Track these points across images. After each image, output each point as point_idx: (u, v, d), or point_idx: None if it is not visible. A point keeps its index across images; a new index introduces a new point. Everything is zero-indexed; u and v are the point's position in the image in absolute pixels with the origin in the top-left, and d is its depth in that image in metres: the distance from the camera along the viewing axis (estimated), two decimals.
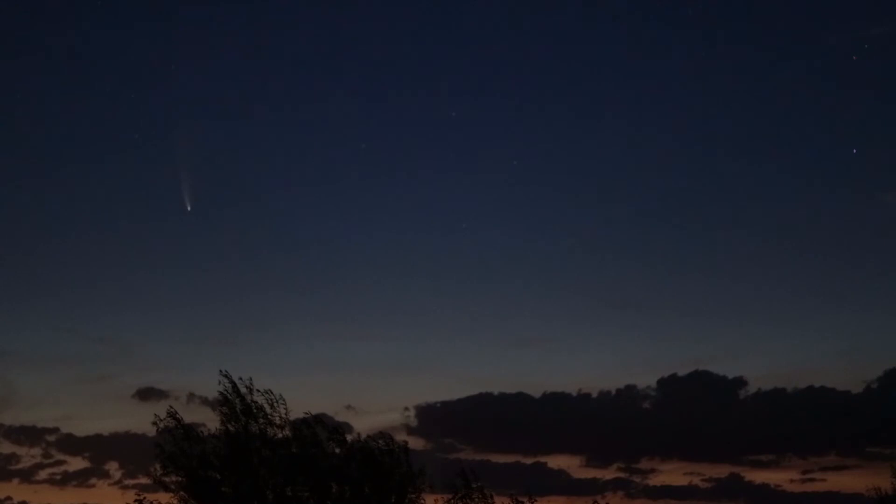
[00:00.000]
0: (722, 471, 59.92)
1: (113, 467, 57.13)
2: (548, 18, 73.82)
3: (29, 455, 59.44)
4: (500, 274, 77.91)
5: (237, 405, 28.12)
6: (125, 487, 52.76)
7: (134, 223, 76.08)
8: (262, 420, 28.12)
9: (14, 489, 55.94)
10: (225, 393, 28.19)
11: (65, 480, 58.05)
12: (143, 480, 29.37)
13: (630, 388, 65.11)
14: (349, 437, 29.21)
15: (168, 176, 70.18)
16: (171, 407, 28.05)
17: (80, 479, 57.60)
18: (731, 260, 77.20)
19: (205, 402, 36.01)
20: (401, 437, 30.08)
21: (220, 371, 28.42)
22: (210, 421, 29.37)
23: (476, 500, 29.38)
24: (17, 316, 72.57)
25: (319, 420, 28.99)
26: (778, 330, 74.31)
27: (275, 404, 28.19)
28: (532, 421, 63.76)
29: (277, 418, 28.25)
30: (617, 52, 76.52)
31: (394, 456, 28.98)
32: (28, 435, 60.46)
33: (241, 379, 28.38)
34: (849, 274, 74.97)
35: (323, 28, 74.51)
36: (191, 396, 45.08)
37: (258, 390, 28.25)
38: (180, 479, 27.88)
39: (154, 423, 27.85)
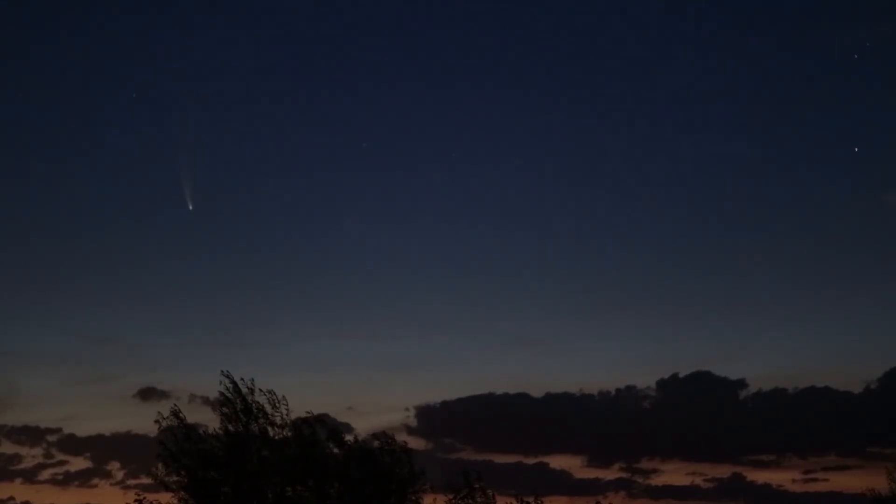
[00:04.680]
0: (723, 471, 60.22)
1: (115, 467, 57.49)
2: (551, 15, 73.95)
3: (31, 455, 59.80)
4: (501, 274, 78.22)
5: (238, 405, 28.06)
6: (127, 487, 52.98)
7: (136, 223, 76.50)
8: (262, 420, 28.10)
9: (16, 489, 56.22)
10: (226, 393, 28.15)
11: (67, 480, 58.38)
12: (145, 480, 29.41)
13: (630, 389, 65.49)
14: (350, 438, 29.28)
15: (169, 176, 70.40)
16: (175, 405, 28.11)
17: (81, 479, 57.94)
18: (731, 261, 77.50)
19: (206, 402, 36.05)
20: (401, 437, 30.13)
21: (222, 371, 28.44)
22: (211, 421, 29.41)
23: (477, 499, 29.44)
24: (19, 316, 72.93)
25: (320, 420, 28.98)
26: (778, 330, 74.59)
27: (277, 404, 28.18)
28: (533, 421, 63.92)
29: (279, 419, 28.24)
30: (619, 51, 76.83)
31: (394, 456, 28.96)
32: (30, 435, 60.94)
33: (242, 380, 28.40)
34: (849, 274, 75.26)
35: (325, 28, 74.71)
36: (192, 397, 45.20)
37: (261, 390, 28.28)
38: (181, 478, 27.86)
39: (157, 422, 27.89)
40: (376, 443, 29.11)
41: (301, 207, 77.47)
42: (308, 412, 28.89)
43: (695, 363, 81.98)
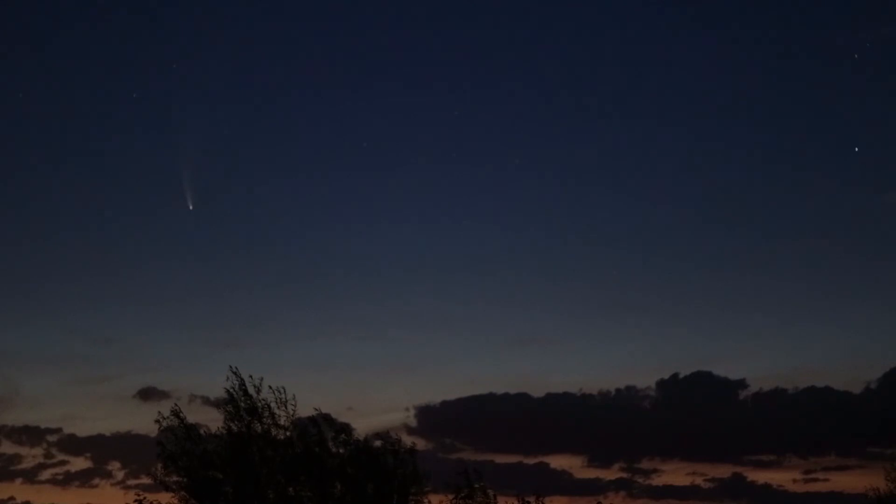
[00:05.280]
0: (724, 471, 60.27)
1: (115, 467, 57.40)
2: (551, 14, 73.95)
3: (31, 455, 59.67)
4: (500, 273, 78.10)
5: (242, 403, 27.88)
6: (127, 487, 52.78)
7: (136, 222, 76.39)
8: (266, 419, 27.92)
9: (17, 489, 56.08)
10: (231, 391, 27.95)
11: (67, 480, 58.26)
12: (146, 480, 29.32)
13: (630, 389, 65.56)
14: (353, 437, 29.18)
15: (169, 176, 70.39)
16: (175, 405, 27.85)
17: (82, 479, 57.85)
18: (731, 260, 77.45)
19: (206, 402, 35.99)
20: (401, 437, 29.95)
21: (230, 367, 28.11)
22: (211, 421, 29.35)
23: (477, 499, 29.44)
24: (19, 316, 72.88)
25: (325, 418, 28.81)
26: (779, 330, 74.55)
27: (284, 403, 27.91)
28: (533, 421, 63.93)
29: (283, 418, 28.04)
30: (621, 50, 76.70)
31: (397, 456, 28.91)
32: (30, 435, 60.83)
33: (251, 377, 28.13)
34: (849, 274, 75.25)
35: (325, 28, 74.65)
36: (192, 397, 45.04)
37: (269, 387, 27.96)
38: (181, 478, 27.78)
39: (157, 422, 27.68)
40: (379, 443, 29.09)
41: (300, 207, 77.51)
42: (316, 409, 28.83)
43: (695, 363, 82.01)
